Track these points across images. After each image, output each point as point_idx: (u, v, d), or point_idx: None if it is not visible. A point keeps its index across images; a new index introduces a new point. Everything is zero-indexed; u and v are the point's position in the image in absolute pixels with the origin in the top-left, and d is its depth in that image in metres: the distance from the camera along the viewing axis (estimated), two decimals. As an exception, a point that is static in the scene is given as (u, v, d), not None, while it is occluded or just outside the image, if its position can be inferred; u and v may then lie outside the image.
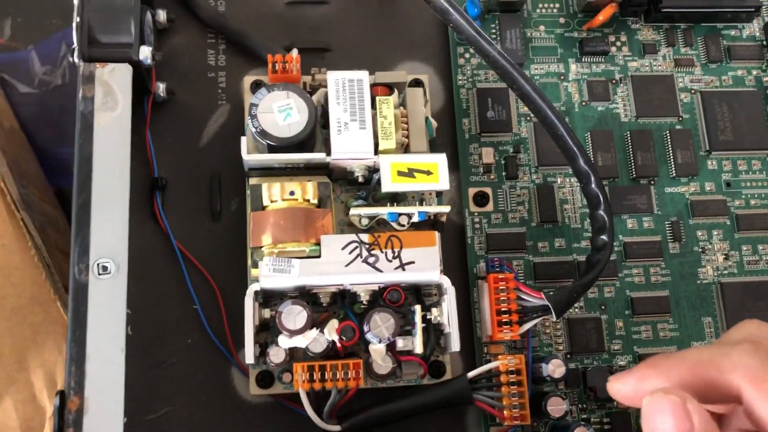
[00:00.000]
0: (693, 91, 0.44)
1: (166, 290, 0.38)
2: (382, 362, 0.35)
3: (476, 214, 0.41)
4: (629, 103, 0.43)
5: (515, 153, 0.42)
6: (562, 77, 0.43)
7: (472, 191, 0.41)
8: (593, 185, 0.37)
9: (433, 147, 0.39)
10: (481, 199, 0.41)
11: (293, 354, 0.36)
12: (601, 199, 0.37)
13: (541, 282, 0.40)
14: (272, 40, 0.42)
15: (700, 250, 0.41)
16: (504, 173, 0.41)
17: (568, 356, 0.39)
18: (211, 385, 0.37)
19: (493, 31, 0.43)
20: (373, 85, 0.39)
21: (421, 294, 0.38)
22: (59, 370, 0.39)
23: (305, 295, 0.36)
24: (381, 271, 0.35)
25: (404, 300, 0.36)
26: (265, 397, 0.37)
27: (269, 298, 0.37)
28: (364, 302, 0.36)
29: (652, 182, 0.42)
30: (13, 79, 0.49)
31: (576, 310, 0.40)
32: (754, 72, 0.44)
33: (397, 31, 0.44)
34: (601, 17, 0.43)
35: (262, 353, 0.36)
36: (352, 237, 0.36)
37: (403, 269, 0.36)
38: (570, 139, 0.37)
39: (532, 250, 0.40)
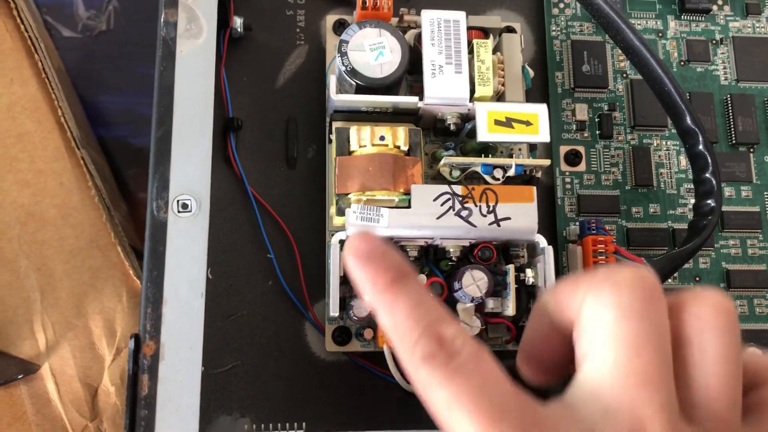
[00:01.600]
0: (798, 56, 0.41)
1: (238, 237, 0.36)
2: (470, 323, 0.33)
3: (567, 173, 0.38)
4: (730, 65, 0.40)
5: (610, 111, 0.39)
6: (660, 34, 0.40)
7: (563, 149, 0.38)
8: (701, 146, 0.35)
9: (528, 98, 0.37)
10: (573, 158, 0.38)
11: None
12: (710, 160, 0.35)
13: (633, 248, 0.37)
14: (354, -22, 0.39)
15: (802, 223, 0.39)
16: (598, 132, 0.39)
17: (661, 328, 0.37)
18: (282, 340, 0.35)
19: (590, -19, 0.40)
20: (469, 29, 0.36)
21: (510, 254, 0.35)
22: (118, 318, 0.37)
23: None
24: (474, 225, 0.33)
25: (495, 258, 0.34)
26: (339, 354, 0.35)
27: (350, 250, 0.34)
28: (453, 258, 0.34)
29: (752, 150, 0.39)
30: (57, 23, 0.47)
31: (670, 280, 0.37)
32: None
33: (486, -23, 0.41)
34: (707, -29, 0.40)
35: (342, 307, 0.33)
36: (445, 188, 0.33)
37: (498, 225, 0.33)
38: (678, 95, 0.35)
39: (626, 215, 0.38)
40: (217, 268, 0.35)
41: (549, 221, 0.38)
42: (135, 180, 0.45)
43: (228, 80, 0.37)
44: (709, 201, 0.35)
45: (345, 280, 0.34)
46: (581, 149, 0.38)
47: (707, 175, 0.35)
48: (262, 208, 0.36)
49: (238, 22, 0.37)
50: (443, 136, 0.36)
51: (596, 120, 0.39)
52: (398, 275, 0.23)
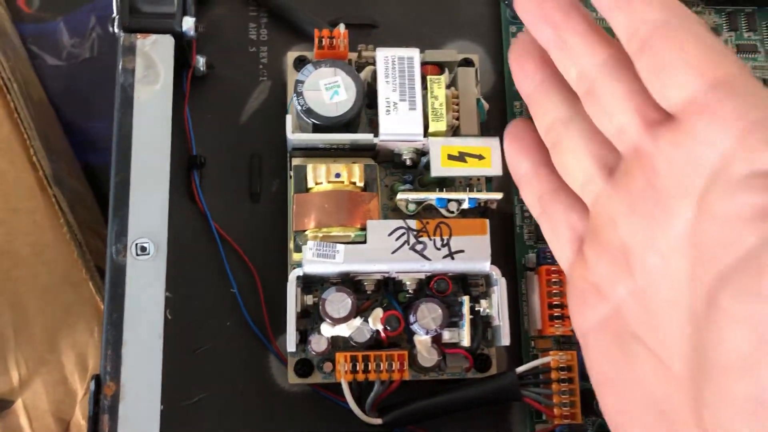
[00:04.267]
0: (757, 78, 0.41)
1: (203, 273, 0.37)
2: (427, 354, 0.34)
3: (525, 202, 0.39)
4: (688, 89, 0.41)
5: (568, 139, 0.40)
6: (618, 60, 0.41)
7: (521, 178, 0.39)
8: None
9: (485, 130, 0.37)
10: (530, 187, 0.39)
11: (334, 343, 0.34)
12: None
13: (591, 275, 0.38)
14: (317, 14, 0.40)
15: None
16: (555, 160, 0.39)
17: (619, 353, 0.37)
18: (247, 372, 0.36)
19: (547, 10, 0.41)
20: (422, 64, 0.37)
21: (468, 284, 0.36)
22: (91, 352, 0.38)
23: (348, 282, 0.35)
24: (429, 259, 0.34)
25: (451, 290, 0.35)
26: (303, 386, 0.36)
27: (309, 284, 0.35)
28: (410, 291, 0.35)
29: (711, 173, 0.40)
30: (42, 51, 0.48)
31: (628, 305, 0.38)
32: (821, 59, 0.42)
33: (445, 8, 0.42)
34: None
35: (302, 341, 0.34)
36: (400, 223, 0.34)
37: (452, 258, 0.34)
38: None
39: (583, 242, 0.39)
40: (182, 302, 0.36)
41: (508, 249, 0.39)
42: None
43: (192, 118, 0.38)
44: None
45: (304, 315, 0.35)
46: (539, 177, 0.39)
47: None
48: (226, 243, 0.37)
49: (200, 61, 0.38)
50: (402, 169, 0.37)
51: (554, 148, 0.40)
52: None
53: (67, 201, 0.41)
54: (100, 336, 0.38)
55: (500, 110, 0.40)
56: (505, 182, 0.39)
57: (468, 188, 0.37)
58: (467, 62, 0.39)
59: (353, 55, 0.38)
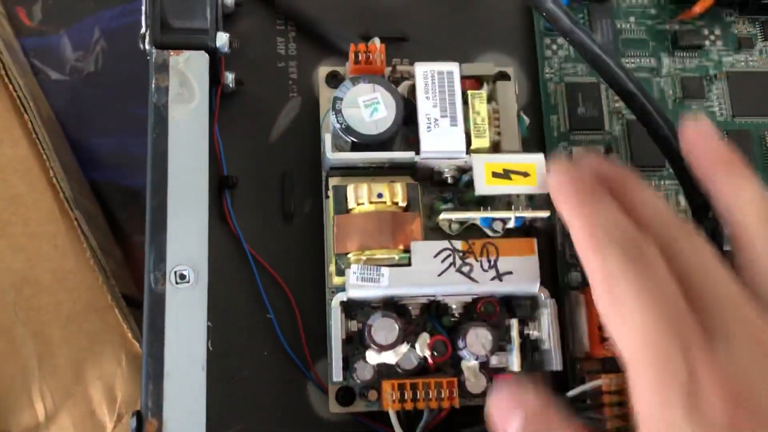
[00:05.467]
0: (792, 89, 0.41)
1: (237, 298, 0.35)
2: (475, 380, 0.33)
3: (566, 218, 0.38)
4: (725, 101, 0.40)
5: (607, 152, 0.39)
6: (654, 72, 0.40)
7: (561, 194, 0.38)
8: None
9: (526, 146, 0.36)
10: (571, 203, 0.38)
11: (382, 370, 0.33)
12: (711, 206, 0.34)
13: (635, 292, 0.37)
14: (344, 27, 0.39)
15: (803, 260, 0.39)
16: (595, 175, 0.38)
17: (666, 373, 0.36)
18: (285, 401, 0.35)
19: (582, 22, 0.40)
20: (462, 78, 0.36)
21: (513, 306, 0.35)
22: (118, 383, 0.36)
23: (392, 306, 0.33)
24: (476, 281, 0.33)
25: (498, 312, 0.34)
26: (345, 415, 0.35)
27: (350, 308, 0.34)
28: (456, 314, 0.33)
29: (751, 187, 0.39)
30: (44, 66, 0.46)
31: (673, 323, 0.37)
32: None
33: (476, 20, 0.41)
34: (698, 8, 0.40)
35: (345, 368, 0.33)
36: (445, 244, 0.33)
37: (500, 280, 0.33)
38: (675, 141, 0.35)
39: (626, 258, 0.38)
40: (217, 330, 0.35)
41: (550, 267, 0.37)
42: (130, 222, 0.44)
43: (221, 137, 0.37)
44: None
45: (347, 341, 0.33)
46: (579, 193, 0.38)
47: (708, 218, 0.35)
48: (259, 265, 0.36)
49: (229, 77, 0.37)
50: (441, 187, 0.36)
51: (593, 163, 0.39)
52: None
53: (86, 223, 0.39)
54: (128, 365, 0.37)
55: (537, 124, 0.39)
56: (545, 198, 0.38)
57: (509, 205, 0.36)
58: (503, 75, 0.38)
59: (387, 70, 0.37)
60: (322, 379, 0.35)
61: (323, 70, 0.37)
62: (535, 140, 0.39)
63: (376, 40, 0.36)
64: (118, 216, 0.44)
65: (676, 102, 0.40)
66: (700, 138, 0.29)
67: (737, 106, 0.40)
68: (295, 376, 0.35)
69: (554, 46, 0.40)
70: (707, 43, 0.41)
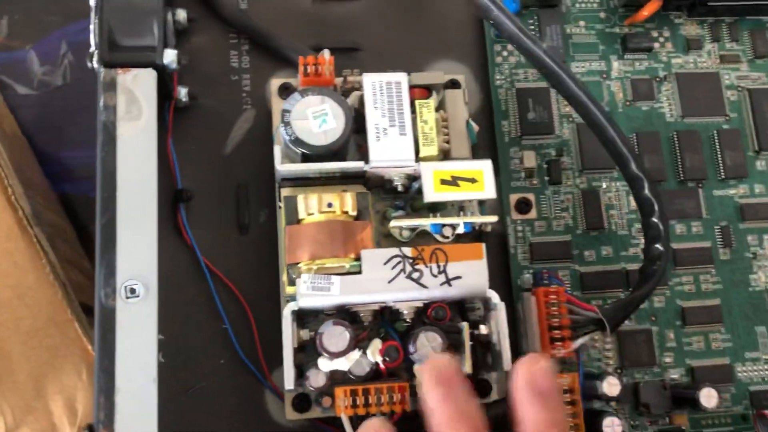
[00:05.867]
0: (740, 89, 0.42)
1: (193, 309, 0.36)
2: (428, 384, 0.33)
3: (519, 222, 0.39)
4: (675, 102, 0.41)
5: (558, 156, 0.40)
6: (604, 76, 0.41)
7: (513, 198, 0.39)
8: (646, 191, 0.35)
9: (475, 152, 0.37)
10: (524, 206, 0.39)
11: (335, 377, 0.33)
12: (656, 205, 0.35)
13: (588, 293, 0.38)
14: (298, 39, 0.40)
15: (752, 255, 0.39)
16: (547, 178, 0.39)
17: (619, 371, 0.37)
18: (243, 410, 0.35)
19: (532, 27, 0.41)
20: (411, 87, 0.37)
21: (465, 309, 0.35)
22: (79, 396, 0.37)
23: (344, 314, 0.34)
24: (426, 287, 0.33)
25: (449, 317, 0.34)
26: (302, 421, 0.35)
27: (303, 317, 0.34)
28: (408, 320, 0.34)
29: (701, 185, 0.40)
30: (12, 81, 0.47)
31: (627, 321, 0.38)
32: (803, 67, 0.43)
33: (429, 29, 0.41)
34: (646, 12, 0.40)
35: (299, 376, 0.33)
36: (395, 251, 0.33)
37: (450, 285, 0.33)
38: (621, 142, 0.35)
39: (579, 259, 0.38)
40: (173, 341, 0.35)
41: (503, 271, 0.38)
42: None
43: (176, 151, 0.37)
44: (657, 245, 0.35)
45: (301, 349, 0.34)
46: (531, 197, 0.39)
47: (654, 219, 0.35)
48: (215, 276, 0.36)
49: (182, 92, 0.37)
50: (393, 195, 0.37)
51: (544, 166, 0.39)
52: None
53: (46, 237, 0.40)
54: (89, 378, 0.37)
55: (489, 130, 0.40)
56: (497, 204, 0.39)
57: (461, 211, 0.36)
58: (453, 83, 0.39)
59: (338, 81, 0.37)
60: (279, 387, 0.35)
61: (275, 83, 0.38)
62: (487, 146, 0.40)
63: (326, 52, 0.36)
64: (90, 228, 0.45)
65: (627, 104, 0.41)
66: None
67: (686, 106, 0.41)
68: (252, 384, 0.35)
69: (505, 53, 0.41)
70: (656, 45, 0.42)
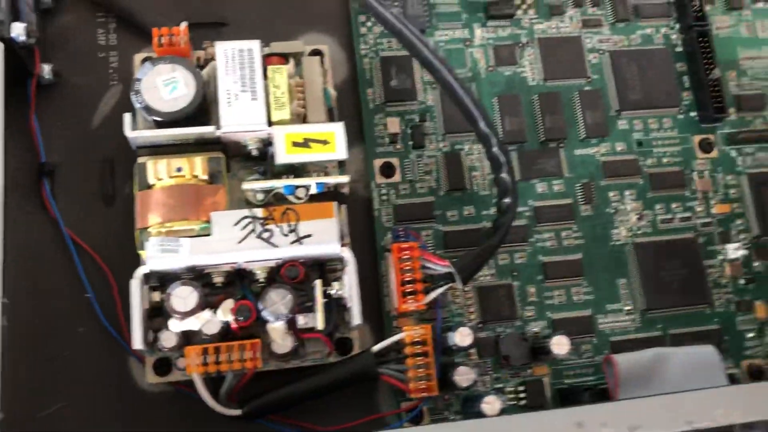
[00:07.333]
0: (602, 51, 0.43)
1: (57, 280, 0.36)
2: (281, 341, 0.34)
3: (383, 185, 0.39)
4: (537, 66, 0.42)
5: (422, 121, 0.41)
6: (467, 43, 0.42)
7: (378, 162, 0.40)
8: (495, 148, 0.36)
9: (342, 117, 0.38)
10: (387, 170, 0.40)
11: (190, 339, 0.34)
12: (503, 161, 0.36)
13: (452, 251, 0.39)
14: (166, 16, 0.40)
15: (613, 211, 0.40)
16: (411, 143, 0.40)
17: (480, 325, 0.38)
18: (107, 376, 0.36)
19: (395, -2, 0.42)
20: (268, 56, 0.37)
21: (326, 269, 0.36)
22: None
23: (200, 277, 0.35)
24: (276, 246, 0.34)
25: (304, 276, 0.35)
26: (165, 385, 0.36)
27: (166, 282, 0.35)
28: (261, 280, 0.35)
29: (562, 145, 0.41)
30: None
31: (487, 277, 0.39)
32: (663, 30, 0.44)
33: (297, 2, 0.42)
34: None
35: (155, 338, 0.34)
36: (245, 212, 0.34)
37: (300, 243, 0.34)
38: (470, 101, 0.36)
39: (441, 219, 0.39)
40: (38, 312, 0.36)
41: (368, 232, 0.39)
42: None
43: (41, 126, 0.38)
44: (506, 199, 0.36)
45: (157, 313, 0.34)
46: (395, 161, 0.40)
47: (503, 174, 0.36)
48: (80, 248, 0.37)
49: (46, 69, 0.38)
50: (254, 161, 0.37)
51: (408, 131, 0.40)
52: None
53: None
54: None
55: (354, 98, 0.41)
56: (362, 168, 0.40)
57: (324, 175, 0.37)
58: (317, 53, 0.40)
59: (201, 53, 0.38)
60: (140, 353, 0.36)
61: (139, 57, 0.39)
62: (354, 113, 0.41)
63: (182, 24, 0.37)
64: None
65: (490, 70, 0.42)
66: None
67: (548, 70, 0.42)
68: (116, 352, 0.36)
69: (369, 23, 0.42)
70: (519, 12, 0.43)
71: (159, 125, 0.35)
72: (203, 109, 0.36)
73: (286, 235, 0.34)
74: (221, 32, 0.41)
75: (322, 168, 0.38)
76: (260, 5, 0.42)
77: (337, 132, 0.36)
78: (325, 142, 0.36)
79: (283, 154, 0.35)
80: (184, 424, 0.36)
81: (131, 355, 0.36)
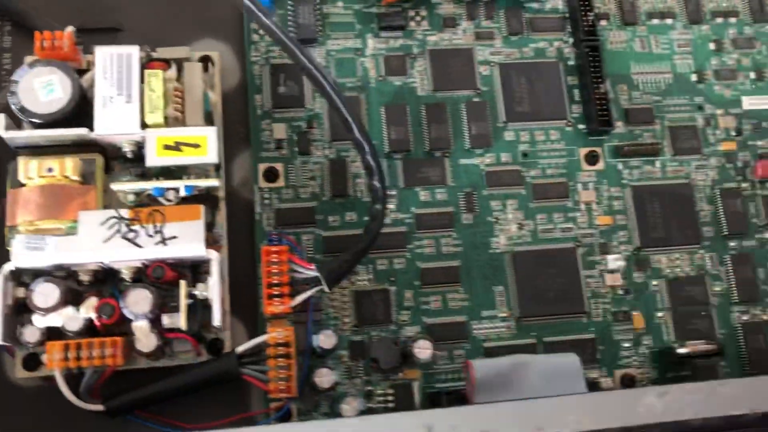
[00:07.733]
0: (492, 64, 0.44)
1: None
2: (145, 340, 0.35)
3: (266, 189, 0.40)
4: (427, 76, 0.43)
5: (309, 128, 0.41)
6: (358, 52, 0.43)
7: (262, 167, 0.41)
8: (367, 155, 0.37)
9: (230, 123, 0.39)
10: (271, 175, 0.40)
11: (61, 335, 0.35)
12: (374, 168, 0.37)
13: (331, 255, 0.39)
14: (61, 20, 0.41)
15: (494, 220, 0.41)
16: (296, 149, 0.41)
17: (355, 328, 0.39)
18: (-20, 371, 0.37)
19: (290, 7, 0.43)
20: (151, 61, 0.38)
21: (200, 271, 0.37)
22: None
23: (71, 275, 0.35)
24: (141, 246, 0.35)
25: (178, 277, 0.36)
26: (38, 379, 0.36)
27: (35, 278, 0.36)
28: (128, 280, 0.35)
29: (447, 154, 0.42)
30: None
31: (365, 282, 0.39)
32: (556, 44, 0.45)
33: (192, 9, 0.43)
34: (399, -8, 0.43)
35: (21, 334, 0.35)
36: (111, 212, 0.35)
37: (165, 244, 0.35)
38: (345, 110, 0.37)
39: (323, 225, 0.40)
40: None
41: (250, 237, 0.40)
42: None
43: (-71, 127, 0.39)
44: (376, 205, 0.37)
45: (21, 310, 0.35)
46: (279, 166, 0.41)
47: (374, 182, 0.37)
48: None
49: (-66, 69, 0.39)
50: (133, 163, 0.38)
51: (294, 138, 0.41)
52: None
53: None
54: None
55: (244, 104, 0.42)
56: (245, 173, 0.41)
57: (202, 178, 0.38)
58: (206, 59, 0.41)
59: (91, 57, 0.39)
60: (12, 348, 0.36)
61: (28, 59, 0.40)
62: (243, 119, 0.41)
63: (68, 28, 0.38)
64: None
65: (380, 80, 0.43)
66: None
67: (438, 81, 0.43)
68: (-12, 346, 0.37)
69: (261, 32, 0.43)
70: (412, 24, 0.44)
71: (37, 127, 0.36)
72: (85, 112, 0.37)
73: (151, 236, 0.35)
74: (116, 38, 0.42)
75: (203, 171, 0.38)
76: (157, 12, 0.43)
77: (209, 136, 0.37)
78: (196, 146, 0.37)
79: (154, 157, 0.36)
80: (56, 418, 0.36)
81: (4, 350, 0.37)
